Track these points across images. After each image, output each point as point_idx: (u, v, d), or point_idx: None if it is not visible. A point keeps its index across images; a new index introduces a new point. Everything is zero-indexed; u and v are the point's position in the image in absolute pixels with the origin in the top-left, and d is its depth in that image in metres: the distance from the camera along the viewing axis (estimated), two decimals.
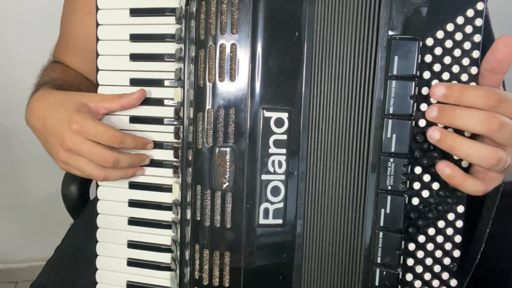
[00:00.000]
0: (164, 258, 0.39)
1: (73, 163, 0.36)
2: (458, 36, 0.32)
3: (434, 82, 0.32)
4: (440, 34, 0.32)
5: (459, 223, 0.34)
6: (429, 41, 0.32)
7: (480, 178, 0.31)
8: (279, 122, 0.33)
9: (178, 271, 0.36)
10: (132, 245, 0.40)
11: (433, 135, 0.30)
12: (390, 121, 0.32)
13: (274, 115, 0.33)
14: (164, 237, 0.39)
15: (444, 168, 0.30)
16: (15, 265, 1.05)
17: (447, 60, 0.32)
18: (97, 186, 0.40)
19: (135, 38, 0.37)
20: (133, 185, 0.39)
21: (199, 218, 0.34)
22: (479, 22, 0.31)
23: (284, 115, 0.33)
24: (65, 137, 0.35)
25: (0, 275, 1.04)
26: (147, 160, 0.38)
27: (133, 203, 0.39)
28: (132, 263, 0.40)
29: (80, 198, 0.56)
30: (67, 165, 0.37)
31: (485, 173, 0.31)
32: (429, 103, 0.32)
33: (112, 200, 0.40)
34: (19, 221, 1.01)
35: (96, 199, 0.41)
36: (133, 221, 0.40)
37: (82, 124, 0.35)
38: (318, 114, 0.33)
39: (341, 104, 0.33)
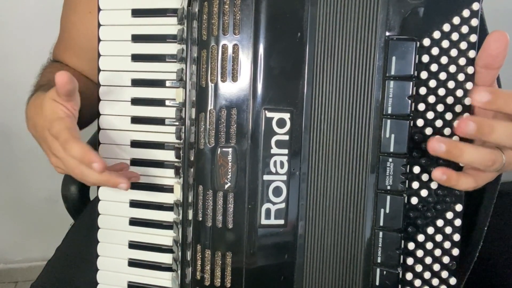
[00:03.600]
0: (165, 258, 0.39)
1: (63, 167, 0.36)
2: (455, 36, 0.32)
3: (432, 82, 0.32)
4: (436, 35, 0.32)
5: (458, 222, 0.34)
6: (426, 42, 0.32)
7: (471, 174, 0.31)
8: (281, 123, 0.33)
9: (179, 272, 0.37)
10: (133, 245, 0.40)
11: (440, 148, 0.28)
12: (388, 121, 0.32)
13: (276, 116, 0.33)
14: (165, 237, 0.39)
15: (441, 176, 0.30)
16: (15, 265, 1.05)
17: (444, 60, 0.32)
18: (98, 186, 0.40)
19: (136, 38, 0.37)
20: (134, 186, 0.39)
21: (201, 219, 0.35)
22: (474, 22, 0.32)
23: (286, 116, 0.33)
24: (49, 143, 0.35)
25: (0, 275, 1.04)
26: (122, 186, 0.33)
27: (134, 204, 0.40)
28: (133, 263, 0.40)
29: (80, 199, 0.56)
30: (59, 169, 0.37)
31: (477, 170, 0.31)
32: (426, 103, 0.33)
33: (113, 201, 0.40)
34: (19, 221, 1.01)
35: (96, 200, 0.41)
36: (134, 222, 0.40)
37: (54, 130, 0.32)
38: (319, 115, 0.33)
39: (342, 105, 0.33)
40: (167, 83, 0.37)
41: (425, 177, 0.33)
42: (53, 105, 0.34)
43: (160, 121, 0.38)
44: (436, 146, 0.29)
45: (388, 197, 0.33)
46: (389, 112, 0.32)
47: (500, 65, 0.30)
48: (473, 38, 0.32)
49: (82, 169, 0.33)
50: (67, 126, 0.32)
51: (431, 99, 0.33)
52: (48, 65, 0.50)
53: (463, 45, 0.32)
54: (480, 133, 0.27)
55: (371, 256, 0.34)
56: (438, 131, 0.33)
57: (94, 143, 0.39)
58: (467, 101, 0.32)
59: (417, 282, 0.34)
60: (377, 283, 0.34)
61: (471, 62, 0.32)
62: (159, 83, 0.38)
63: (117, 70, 0.38)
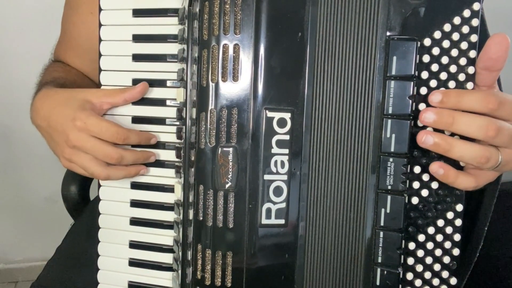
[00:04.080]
0: (166, 258, 0.39)
1: (77, 160, 0.37)
2: (455, 36, 0.32)
3: (432, 82, 0.32)
4: (437, 34, 0.32)
5: (458, 222, 0.34)
6: (427, 41, 0.32)
7: (472, 173, 0.32)
8: (281, 122, 0.33)
9: (180, 271, 0.37)
10: (134, 245, 0.40)
11: (427, 140, 0.30)
12: (389, 121, 0.32)
13: (277, 115, 0.33)
14: (166, 237, 0.39)
15: (438, 170, 0.31)
16: (15, 265, 1.05)
17: (445, 60, 0.32)
18: (99, 186, 0.40)
19: (137, 38, 0.37)
20: (135, 185, 0.40)
21: (201, 218, 0.35)
22: (475, 22, 0.32)
23: (287, 115, 0.33)
24: (69, 135, 0.35)
25: (0, 275, 1.04)
26: (152, 158, 0.38)
27: (135, 203, 0.40)
28: (133, 263, 0.40)
29: (80, 199, 0.56)
30: (71, 163, 0.37)
31: (477, 169, 0.32)
32: (427, 103, 0.33)
33: (114, 200, 0.40)
34: (19, 221, 1.01)
35: (96, 200, 0.41)
36: (135, 221, 0.40)
37: (85, 121, 0.35)
38: (320, 115, 0.33)
39: (343, 105, 0.33)
40: (168, 83, 0.37)
41: (425, 177, 0.33)
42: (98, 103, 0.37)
43: (161, 121, 0.38)
44: (424, 138, 0.30)
45: (389, 197, 0.33)
46: (390, 112, 0.32)
47: (501, 67, 0.30)
48: (474, 38, 0.32)
49: (121, 153, 0.36)
50: (116, 124, 0.36)
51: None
52: (50, 65, 0.51)
53: (464, 45, 0.32)
54: (441, 122, 0.29)
55: (371, 256, 0.34)
56: (438, 131, 0.33)
57: None
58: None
59: (418, 282, 0.34)
60: (378, 283, 0.34)
61: (471, 62, 0.32)
62: (160, 83, 0.38)
63: (118, 70, 0.38)
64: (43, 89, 0.40)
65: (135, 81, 0.38)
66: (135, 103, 0.38)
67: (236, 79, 0.33)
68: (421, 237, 0.34)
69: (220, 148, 0.33)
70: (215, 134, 0.33)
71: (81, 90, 0.39)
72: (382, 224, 0.33)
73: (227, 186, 0.34)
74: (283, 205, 0.34)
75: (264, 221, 0.34)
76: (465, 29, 0.32)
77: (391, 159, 0.33)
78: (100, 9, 0.38)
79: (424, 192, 0.34)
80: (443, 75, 0.32)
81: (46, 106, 0.38)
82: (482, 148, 0.29)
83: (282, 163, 0.33)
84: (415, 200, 0.34)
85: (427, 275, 0.34)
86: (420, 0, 0.32)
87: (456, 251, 0.34)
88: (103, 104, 0.37)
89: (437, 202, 0.34)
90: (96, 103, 0.37)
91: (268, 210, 0.34)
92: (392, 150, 0.32)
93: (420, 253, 0.34)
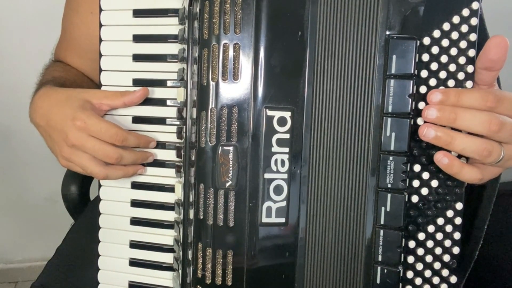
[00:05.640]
0: (167, 258, 0.39)
1: (76, 159, 0.37)
2: (454, 35, 0.32)
3: (432, 80, 0.33)
4: (436, 33, 0.32)
5: (458, 220, 0.34)
6: (426, 40, 0.32)
7: (477, 166, 0.32)
8: (282, 121, 0.33)
9: (180, 271, 0.37)
10: (134, 245, 0.40)
11: (428, 133, 0.30)
12: (389, 119, 0.32)
13: (277, 114, 0.33)
14: (166, 237, 0.39)
15: (442, 158, 0.31)
16: (15, 265, 1.04)
17: (444, 59, 0.32)
18: (99, 186, 0.40)
19: (138, 38, 0.38)
20: (136, 185, 0.40)
21: (202, 217, 0.35)
22: (474, 21, 0.32)
23: (287, 114, 0.33)
24: (68, 134, 0.35)
25: (0, 275, 1.04)
26: (150, 158, 0.38)
27: (135, 203, 0.40)
28: (134, 263, 0.40)
29: (80, 198, 0.56)
30: (69, 162, 0.37)
31: (480, 163, 0.32)
32: (427, 102, 0.33)
33: (115, 200, 0.40)
34: (19, 221, 1.01)
35: (97, 199, 0.41)
36: (135, 221, 0.40)
37: (85, 121, 0.35)
38: (320, 113, 0.33)
39: (343, 103, 0.33)
40: (168, 83, 0.38)
41: (425, 175, 0.34)
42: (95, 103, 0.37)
43: (161, 121, 0.38)
44: (426, 131, 0.30)
45: (389, 196, 0.33)
46: (390, 110, 0.32)
47: (500, 67, 0.31)
48: (473, 37, 0.32)
49: (120, 153, 0.36)
50: (115, 125, 0.36)
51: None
52: (51, 65, 0.51)
53: (463, 44, 0.32)
54: (444, 118, 0.29)
55: (372, 255, 0.34)
56: None
57: None
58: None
59: (418, 281, 0.34)
60: (378, 282, 0.34)
61: (471, 61, 0.32)
62: (161, 83, 0.38)
63: (119, 70, 0.39)
64: (43, 87, 0.40)
65: (136, 81, 0.38)
66: None
67: (237, 78, 0.33)
68: (421, 236, 0.34)
69: (220, 147, 0.33)
70: (216, 133, 0.34)
71: (82, 90, 0.39)
72: (382, 222, 0.33)
73: (227, 185, 0.34)
74: (284, 203, 0.34)
75: (265, 219, 0.34)
76: (464, 28, 0.32)
77: (391, 158, 0.33)
78: (100, 10, 0.38)
79: (424, 191, 0.34)
80: (443, 74, 0.33)
81: (45, 105, 0.38)
82: (483, 141, 0.30)
83: (283, 161, 0.34)
84: (415, 199, 0.34)
85: (427, 273, 0.35)
86: None
87: (456, 250, 0.34)
88: (103, 106, 0.37)
89: (437, 200, 0.34)
90: (95, 104, 0.37)
91: (269, 209, 0.34)
92: (392, 148, 0.33)
93: (420, 251, 0.34)
